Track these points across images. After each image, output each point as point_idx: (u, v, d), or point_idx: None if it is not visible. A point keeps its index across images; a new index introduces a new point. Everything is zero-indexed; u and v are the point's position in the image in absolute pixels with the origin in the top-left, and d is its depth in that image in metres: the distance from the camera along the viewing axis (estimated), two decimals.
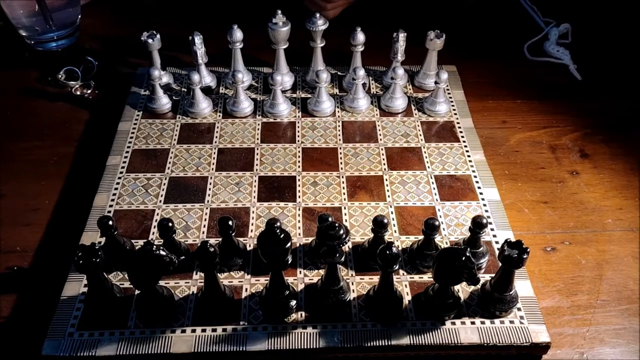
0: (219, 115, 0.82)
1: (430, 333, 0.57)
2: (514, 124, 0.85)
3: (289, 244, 0.53)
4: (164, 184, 0.72)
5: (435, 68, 0.85)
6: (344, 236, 0.54)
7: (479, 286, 0.60)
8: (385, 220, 0.59)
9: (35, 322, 0.59)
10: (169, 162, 0.75)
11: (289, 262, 0.55)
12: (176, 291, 0.60)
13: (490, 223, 0.67)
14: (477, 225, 0.60)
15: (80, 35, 1.00)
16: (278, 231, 0.52)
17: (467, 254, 0.52)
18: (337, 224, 0.54)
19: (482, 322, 0.58)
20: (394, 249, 0.53)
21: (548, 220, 0.71)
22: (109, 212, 0.68)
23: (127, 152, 0.76)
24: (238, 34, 0.82)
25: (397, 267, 0.54)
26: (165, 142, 0.78)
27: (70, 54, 0.96)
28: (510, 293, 0.57)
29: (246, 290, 0.60)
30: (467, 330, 0.57)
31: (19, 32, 0.95)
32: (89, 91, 0.89)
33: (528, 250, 0.54)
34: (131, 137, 0.78)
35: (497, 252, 0.63)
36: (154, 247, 0.52)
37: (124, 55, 0.97)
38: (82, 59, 0.92)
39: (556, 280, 0.64)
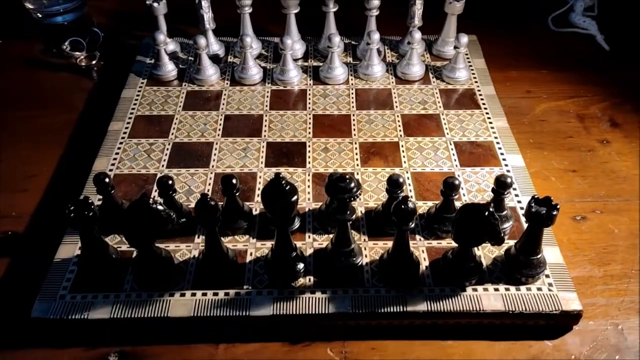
0: (227, 83, 0.78)
1: (450, 299, 0.52)
2: (539, 93, 0.80)
3: (295, 197, 0.48)
4: (167, 149, 0.68)
5: (455, 35, 0.81)
6: (355, 189, 0.49)
7: (502, 251, 0.55)
8: (401, 179, 0.55)
9: (28, 285, 0.56)
10: (173, 128, 0.71)
11: (297, 223, 0.51)
12: (176, 255, 0.56)
13: (515, 189, 0.62)
14: (501, 185, 0.55)
15: (87, 9, 0.97)
16: (283, 182, 0.48)
17: (490, 209, 0.47)
18: (347, 176, 0.49)
19: (507, 289, 0.53)
20: (410, 204, 0.48)
21: (577, 188, 0.66)
22: None
23: (129, 118, 0.72)
24: None
25: (412, 225, 0.49)
26: (170, 109, 0.74)
27: (76, 27, 0.93)
28: (538, 257, 0.52)
29: (251, 254, 0.56)
30: (490, 297, 0.52)
31: (25, 4, 0.93)
32: (94, 62, 0.86)
33: (558, 206, 0.49)
34: (134, 104, 0.75)
35: (522, 218, 0.59)
36: (151, 200, 0.48)
37: (130, 29, 0.94)
38: (88, 31, 0.89)
39: (587, 249, 0.59)
